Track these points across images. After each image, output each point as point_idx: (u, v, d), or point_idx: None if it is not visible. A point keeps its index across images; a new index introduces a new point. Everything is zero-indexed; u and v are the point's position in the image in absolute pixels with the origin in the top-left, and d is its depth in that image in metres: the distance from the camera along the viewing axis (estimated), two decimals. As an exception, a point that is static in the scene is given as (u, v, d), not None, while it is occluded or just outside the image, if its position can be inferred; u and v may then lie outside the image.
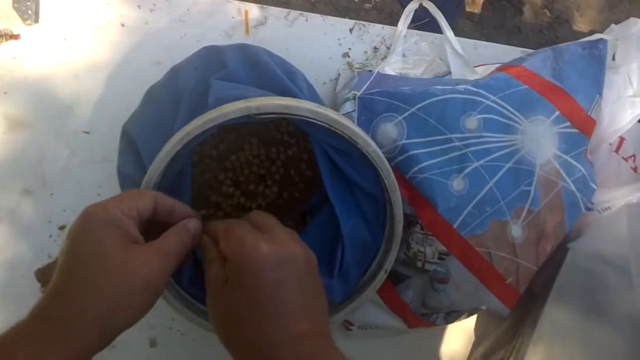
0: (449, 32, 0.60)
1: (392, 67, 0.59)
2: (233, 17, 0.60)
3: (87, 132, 0.57)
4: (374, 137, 0.48)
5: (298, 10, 0.62)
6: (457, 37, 0.60)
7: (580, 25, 1.55)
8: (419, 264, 0.46)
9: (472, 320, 0.58)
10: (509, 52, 0.64)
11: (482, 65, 0.60)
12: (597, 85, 0.49)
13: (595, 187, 0.47)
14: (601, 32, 0.54)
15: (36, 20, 0.57)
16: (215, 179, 0.51)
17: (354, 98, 0.51)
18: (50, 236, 0.56)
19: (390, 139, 0.48)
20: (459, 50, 0.59)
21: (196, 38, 0.60)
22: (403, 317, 0.49)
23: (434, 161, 0.46)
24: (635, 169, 0.52)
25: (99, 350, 0.31)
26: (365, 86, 0.53)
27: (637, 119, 0.49)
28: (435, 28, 0.61)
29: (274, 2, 1.26)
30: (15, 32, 0.57)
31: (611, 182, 0.50)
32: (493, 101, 0.47)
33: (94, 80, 0.58)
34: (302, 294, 0.34)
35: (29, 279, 0.55)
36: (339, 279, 0.43)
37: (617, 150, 0.52)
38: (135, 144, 0.46)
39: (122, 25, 0.58)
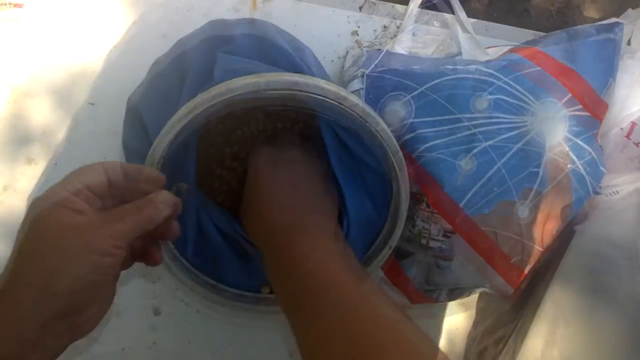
0: (461, 12, 0.59)
1: (401, 46, 0.58)
2: (241, -8, 0.59)
3: (93, 104, 0.57)
4: (381, 116, 0.47)
5: (307, -14, 0.61)
6: (468, 18, 0.59)
7: (591, 11, 1.53)
8: (423, 241, 0.46)
9: (473, 298, 0.59)
10: (521, 34, 0.63)
11: (493, 46, 0.59)
12: (611, 69, 0.48)
13: (605, 171, 0.46)
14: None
15: (41, -10, 0.56)
16: (220, 153, 0.50)
17: (362, 76, 0.50)
18: (55, 207, 0.56)
19: (398, 118, 0.47)
20: (471, 30, 0.58)
21: (203, 12, 0.59)
22: (406, 293, 0.49)
23: (441, 140, 0.46)
24: (645, 155, 0.51)
25: (48, 318, 0.29)
26: (374, 64, 0.52)
27: (650, 104, 0.49)
28: (447, 8, 0.60)
29: (281, -21, 1.24)
30: (19, 1, 0.56)
31: (621, 166, 0.50)
32: (504, 82, 0.46)
33: (99, 52, 0.57)
34: None
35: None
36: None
37: (628, 136, 0.51)
38: (140, 117, 0.46)
39: (129, -4, 0.58)
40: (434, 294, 0.50)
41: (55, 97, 0.57)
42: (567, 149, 0.46)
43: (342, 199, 0.43)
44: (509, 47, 0.55)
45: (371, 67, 0.51)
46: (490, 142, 0.45)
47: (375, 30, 0.61)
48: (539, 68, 0.47)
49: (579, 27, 0.51)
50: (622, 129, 0.51)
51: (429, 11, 0.62)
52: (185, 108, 0.38)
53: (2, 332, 0.28)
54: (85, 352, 0.55)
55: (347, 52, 0.60)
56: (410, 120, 0.46)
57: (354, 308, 0.34)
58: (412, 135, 0.46)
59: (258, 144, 0.46)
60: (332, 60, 0.60)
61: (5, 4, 0.56)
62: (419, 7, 0.61)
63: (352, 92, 0.51)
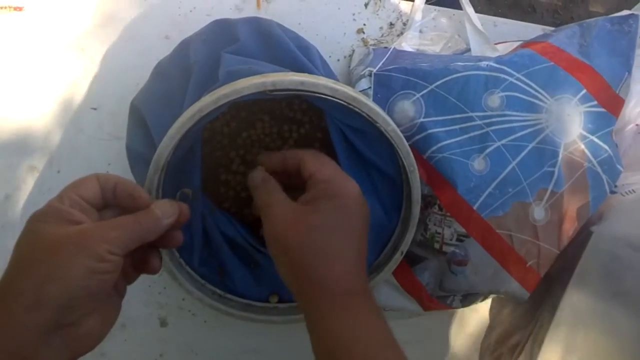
0: (468, 8, 0.57)
1: (409, 43, 0.57)
2: (244, -10, 0.58)
3: (95, 108, 0.56)
4: (390, 115, 0.46)
5: (311, -17, 0.59)
6: (476, 14, 0.57)
7: (597, 5, 1.51)
8: (437, 246, 0.45)
9: (487, 303, 0.57)
10: (530, 30, 0.61)
11: (502, 42, 0.58)
12: (626, 63, 0.47)
13: (622, 169, 0.45)
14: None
15: (41, -8, 0.55)
16: (226, 156, 0.49)
17: (370, 75, 0.49)
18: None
19: (407, 117, 0.46)
20: (479, 26, 0.56)
21: (206, 12, 0.58)
22: (419, 300, 0.48)
23: (453, 140, 0.44)
24: (662, 152, 0.50)
25: (42, 329, 0.28)
26: (382, 62, 0.51)
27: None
28: (453, 4, 0.59)
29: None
30: (19, 5, 0.55)
31: (636, 165, 0.48)
32: (517, 78, 0.45)
33: (101, 55, 0.56)
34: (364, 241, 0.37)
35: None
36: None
37: (644, 132, 0.50)
38: (144, 120, 0.45)
39: (130, -2, 0.56)
40: (447, 300, 0.48)
41: (56, 102, 0.56)
42: (583, 147, 0.45)
43: None
44: (519, 43, 0.53)
45: (379, 66, 0.50)
46: (503, 141, 0.44)
47: (381, 28, 0.60)
48: (552, 63, 0.46)
49: (592, 19, 0.50)
50: (637, 125, 0.50)
51: (436, 7, 0.60)
52: (191, 111, 0.37)
53: None
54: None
55: (354, 51, 0.59)
56: (421, 120, 0.45)
57: None
58: (422, 135, 0.45)
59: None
60: (338, 59, 0.59)
61: (5, 7, 0.56)
62: (425, 4, 0.60)
63: (360, 92, 0.49)
